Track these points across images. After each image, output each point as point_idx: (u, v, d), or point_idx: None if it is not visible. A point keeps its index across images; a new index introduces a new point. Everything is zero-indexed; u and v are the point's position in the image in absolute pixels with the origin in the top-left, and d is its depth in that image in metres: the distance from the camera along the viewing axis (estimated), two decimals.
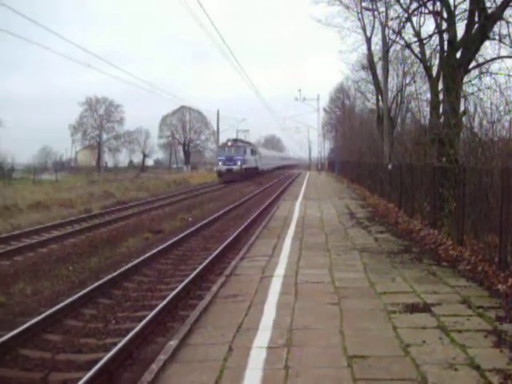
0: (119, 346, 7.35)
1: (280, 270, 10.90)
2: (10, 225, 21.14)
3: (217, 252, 14.10)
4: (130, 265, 12.82)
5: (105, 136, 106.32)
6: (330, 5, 32.34)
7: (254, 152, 68.56)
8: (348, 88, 68.59)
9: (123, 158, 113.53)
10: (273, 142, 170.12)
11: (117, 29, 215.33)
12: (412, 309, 7.95)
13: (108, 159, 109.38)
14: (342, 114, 75.59)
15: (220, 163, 58.45)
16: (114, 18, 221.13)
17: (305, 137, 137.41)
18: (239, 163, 57.58)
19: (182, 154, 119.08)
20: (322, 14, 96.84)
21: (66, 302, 9.68)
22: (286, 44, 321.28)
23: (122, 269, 12.39)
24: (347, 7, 32.51)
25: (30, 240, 17.55)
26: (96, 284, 10.97)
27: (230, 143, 60.35)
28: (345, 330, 7.05)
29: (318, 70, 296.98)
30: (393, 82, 36.20)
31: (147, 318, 8.53)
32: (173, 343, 6.71)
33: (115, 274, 11.88)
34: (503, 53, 19.72)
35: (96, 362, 6.90)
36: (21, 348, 7.83)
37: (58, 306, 9.39)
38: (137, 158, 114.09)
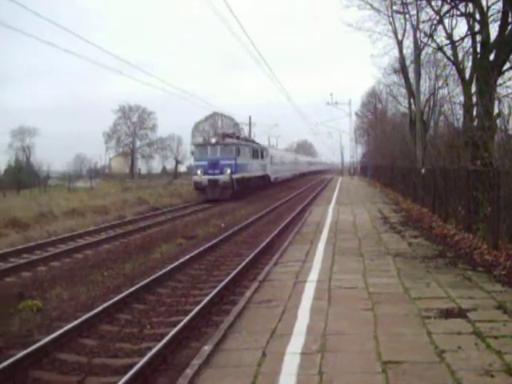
0: (154, 350, 7.41)
1: (313, 276, 10.89)
2: (46, 231, 21.50)
3: (250, 257, 14.13)
4: (163, 270, 12.93)
5: (138, 143, 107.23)
6: (361, 9, 32.21)
7: (258, 154, 49.69)
8: (380, 92, 68.08)
9: (156, 165, 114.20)
10: (305, 147, 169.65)
11: (149, 36, 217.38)
12: (447, 314, 7.87)
13: (141, 166, 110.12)
14: (373, 118, 75.11)
15: (198, 171, 38.40)
16: (145, 25, 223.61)
17: (337, 141, 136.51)
18: (228, 171, 37.89)
19: None
20: (352, 18, 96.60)
21: (102, 307, 9.82)
22: (316, 48, 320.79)
23: (156, 274, 12.50)
24: (378, 11, 32.39)
25: (65, 246, 17.84)
26: (131, 289, 11.09)
27: (213, 140, 40.39)
28: (379, 335, 7.01)
29: (349, 75, 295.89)
30: (425, 85, 35.98)
31: (181, 324, 8.59)
32: (207, 348, 6.76)
33: (149, 279, 11.99)
34: None
35: (131, 366, 6.98)
36: (58, 352, 7.96)
37: (94, 311, 9.53)
38: (170, 165, 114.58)
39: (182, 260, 14.20)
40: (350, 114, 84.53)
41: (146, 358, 7.12)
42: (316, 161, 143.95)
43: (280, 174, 63.95)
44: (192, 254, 15.02)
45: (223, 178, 37.79)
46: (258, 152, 50.15)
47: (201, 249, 15.99)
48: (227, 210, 30.18)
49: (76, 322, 8.90)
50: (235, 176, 38.56)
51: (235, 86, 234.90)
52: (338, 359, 6.21)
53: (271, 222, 23.95)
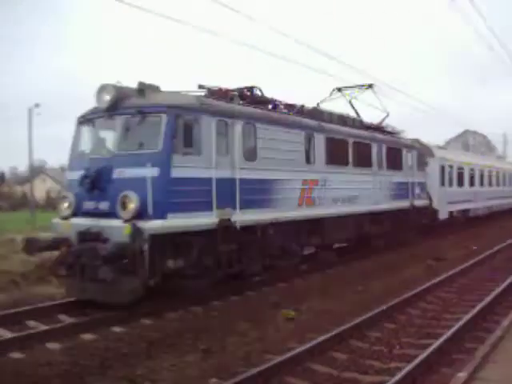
0: (404, 371, 7.38)
1: None
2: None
3: (506, 284, 13.38)
4: (413, 291, 12.82)
5: None
6: None
7: (381, 155, 20.11)
8: None
9: None
10: None
11: (403, 55, 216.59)
12: None
13: None
14: None
15: (65, 204, 11.44)
16: (399, 43, 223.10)
17: None
18: (132, 205, 10.21)
19: None
20: None
21: (353, 322, 10.04)
22: None
23: (406, 295, 12.44)
24: None
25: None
26: (381, 308, 11.17)
27: (107, 97, 11.17)
28: None
29: None
30: None
31: (432, 347, 8.43)
32: (462, 375, 6.57)
33: (399, 299, 11.99)
34: None
35: None
36: (310, 362, 8.30)
37: (345, 326, 9.78)
38: None
39: (432, 282, 13.97)
40: None
41: (396, 378, 7.13)
42: None
43: (473, 205, 32.19)
44: (443, 277, 14.72)
45: (113, 227, 10.49)
46: (382, 151, 20.36)
47: (451, 272, 15.57)
48: (480, 232, 28.51)
49: (328, 335, 9.22)
50: (168, 222, 10.64)
51: (489, 101, 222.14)
52: None
53: None
